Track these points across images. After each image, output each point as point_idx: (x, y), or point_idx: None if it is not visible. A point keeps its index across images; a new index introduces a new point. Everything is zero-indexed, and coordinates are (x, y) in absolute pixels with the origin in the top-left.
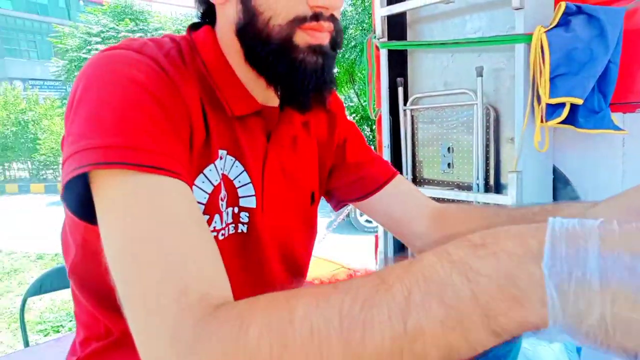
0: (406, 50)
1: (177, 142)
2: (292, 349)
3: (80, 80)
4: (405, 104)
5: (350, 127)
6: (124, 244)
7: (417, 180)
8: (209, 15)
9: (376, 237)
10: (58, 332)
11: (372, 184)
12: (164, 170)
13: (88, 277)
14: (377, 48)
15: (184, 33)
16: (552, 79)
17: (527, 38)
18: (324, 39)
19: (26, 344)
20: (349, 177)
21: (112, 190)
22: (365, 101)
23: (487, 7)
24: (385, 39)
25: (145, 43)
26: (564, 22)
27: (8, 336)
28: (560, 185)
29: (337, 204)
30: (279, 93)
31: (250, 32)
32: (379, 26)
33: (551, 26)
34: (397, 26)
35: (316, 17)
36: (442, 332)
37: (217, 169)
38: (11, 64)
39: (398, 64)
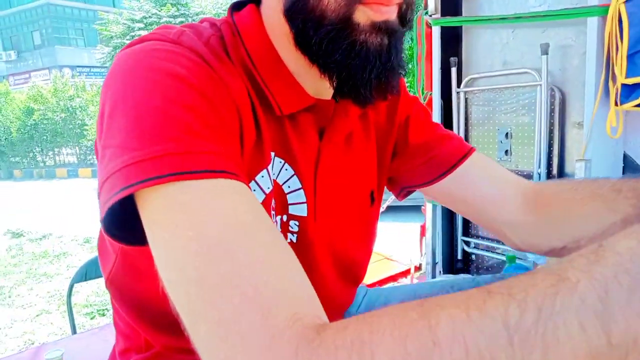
0: (460, 27)
1: (230, 141)
2: None
3: (113, 80)
4: (458, 86)
5: (413, 103)
6: (187, 265)
7: None
8: None
9: (422, 226)
10: (104, 315)
11: (443, 164)
12: (223, 173)
13: (127, 291)
14: (428, 25)
15: (224, 16)
16: (630, 56)
17: (603, 10)
18: (391, 14)
19: (73, 330)
20: (415, 161)
21: (165, 206)
22: (410, 82)
23: None
24: (439, 15)
25: (182, 32)
26: None
27: (58, 318)
28: (631, 175)
29: (402, 192)
30: (334, 83)
31: (301, 11)
32: (432, 1)
33: None
34: (450, 1)
35: None
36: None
37: (269, 175)
38: (61, 51)
39: (451, 42)
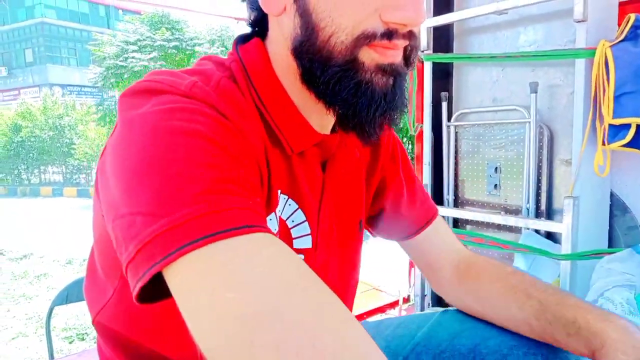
0: (451, 63)
1: (255, 193)
2: None
3: (130, 141)
4: (449, 120)
5: (397, 143)
6: (230, 331)
7: (459, 201)
8: (259, 25)
9: None
10: (83, 339)
11: (413, 226)
12: (255, 227)
13: (118, 330)
14: (420, 61)
15: (218, 44)
16: (616, 98)
17: (590, 53)
18: (395, 57)
19: (51, 355)
20: (391, 218)
21: (200, 270)
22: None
23: (544, 19)
24: (430, 52)
25: (194, 83)
26: (632, 35)
27: (35, 341)
28: (618, 213)
29: (376, 234)
30: (340, 119)
31: (309, 49)
32: (424, 38)
33: (617, 40)
34: (442, 38)
35: (389, 34)
36: None
37: (276, 216)
38: (52, 70)
39: (442, 77)
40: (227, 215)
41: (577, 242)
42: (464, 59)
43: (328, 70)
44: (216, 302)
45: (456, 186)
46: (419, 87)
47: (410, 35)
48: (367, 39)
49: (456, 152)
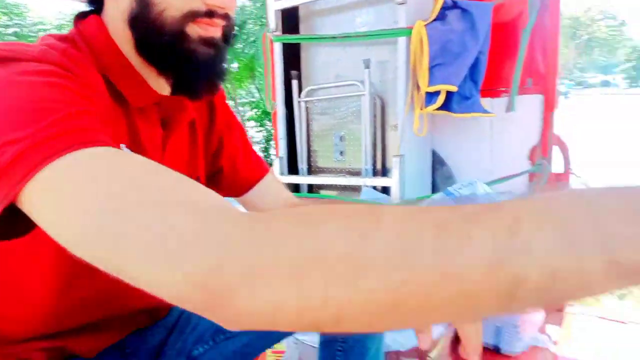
0: (300, 44)
1: (104, 126)
2: (372, 244)
3: None
4: (299, 96)
5: (230, 120)
6: (96, 209)
7: (312, 169)
8: (96, 2)
9: None
10: None
11: (248, 182)
12: (109, 144)
13: None
14: (272, 42)
15: (68, 28)
16: (430, 69)
17: (408, 32)
18: (216, 32)
19: None
20: (229, 176)
21: (57, 179)
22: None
23: (375, 2)
24: (279, 33)
25: (44, 50)
26: (441, 16)
27: None
28: (438, 166)
29: (217, 192)
30: (171, 81)
31: (143, 21)
32: (273, 20)
33: (430, 20)
34: (290, 20)
35: (210, 13)
36: (551, 255)
37: None
38: None
39: (292, 57)
40: (83, 133)
41: (405, 193)
42: (308, 40)
43: (161, 40)
44: (82, 195)
45: (309, 156)
46: (272, 66)
47: (227, 17)
48: (192, 16)
49: (308, 125)
